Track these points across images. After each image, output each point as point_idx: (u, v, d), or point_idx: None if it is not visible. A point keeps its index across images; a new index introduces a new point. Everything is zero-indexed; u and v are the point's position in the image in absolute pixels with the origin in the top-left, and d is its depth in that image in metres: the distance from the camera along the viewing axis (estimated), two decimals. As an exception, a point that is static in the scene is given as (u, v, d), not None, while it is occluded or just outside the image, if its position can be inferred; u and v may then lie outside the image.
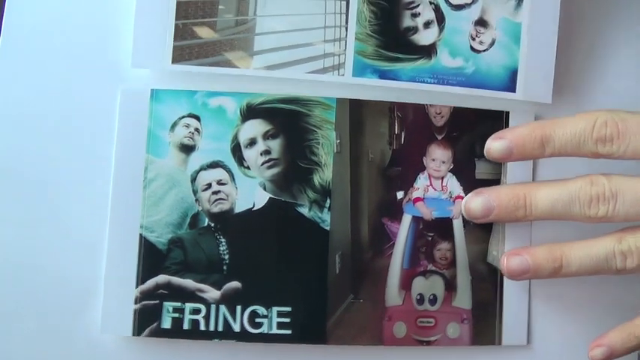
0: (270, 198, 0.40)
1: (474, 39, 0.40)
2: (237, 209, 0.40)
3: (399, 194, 0.40)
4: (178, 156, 0.39)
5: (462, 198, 0.40)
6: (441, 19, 0.40)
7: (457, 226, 0.40)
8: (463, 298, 0.40)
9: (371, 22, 0.39)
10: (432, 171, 0.41)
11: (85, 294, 0.39)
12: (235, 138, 0.39)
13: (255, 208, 0.40)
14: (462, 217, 0.40)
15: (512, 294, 0.40)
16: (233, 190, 0.39)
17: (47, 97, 0.40)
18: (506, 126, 0.41)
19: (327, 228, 0.40)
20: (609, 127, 0.36)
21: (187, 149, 0.39)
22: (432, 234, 0.41)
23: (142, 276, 0.39)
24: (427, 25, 0.40)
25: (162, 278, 0.39)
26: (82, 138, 0.40)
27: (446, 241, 0.41)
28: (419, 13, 0.40)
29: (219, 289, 0.39)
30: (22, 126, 0.40)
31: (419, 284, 0.40)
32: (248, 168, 0.39)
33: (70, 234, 0.40)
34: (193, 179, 0.39)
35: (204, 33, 0.39)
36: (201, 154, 0.39)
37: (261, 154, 0.39)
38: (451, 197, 0.41)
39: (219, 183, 0.39)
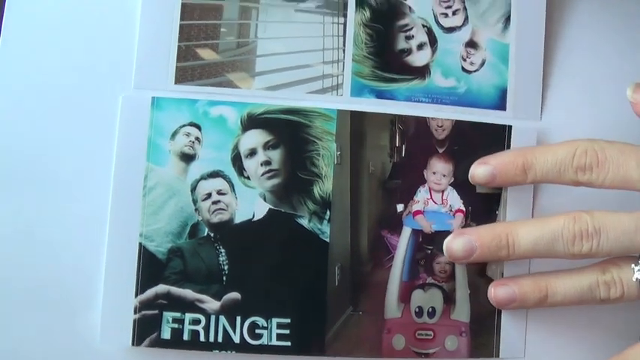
0: (269, 209, 0.40)
1: (464, 60, 0.41)
2: (237, 219, 0.40)
3: (399, 207, 0.41)
4: (178, 165, 0.39)
5: (462, 212, 0.41)
6: (433, 41, 0.41)
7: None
8: (462, 311, 0.41)
9: (367, 44, 0.40)
10: (433, 184, 0.41)
11: (83, 303, 0.39)
12: (236, 148, 0.39)
13: (254, 219, 0.40)
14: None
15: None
16: (233, 200, 0.39)
17: (47, 102, 0.40)
18: (508, 140, 0.41)
19: (327, 240, 0.40)
20: (589, 156, 0.37)
21: (187, 158, 0.39)
22: (431, 247, 0.41)
23: (142, 285, 0.39)
24: (420, 47, 0.41)
25: (161, 288, 0.39)
26: (81, 144, 0.40)
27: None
28: (412, 36, 0.41)
29: (218, 299, 0.39)
30: (21, 130, 0.40)
31: (418, 297, 0.40)
32: (248, 178, 0.39)
33: (69, 241, 0.39)
34: (193, 188, 0.39)
35: (207, 55, 0.39)
36: (202, 163, 0.39)
37: (261, 165, 0.39)
38: (451, 211, 0.41)
39: (219, 193, 0.39)
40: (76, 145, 0.40)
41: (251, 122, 0.39)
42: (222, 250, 0.40)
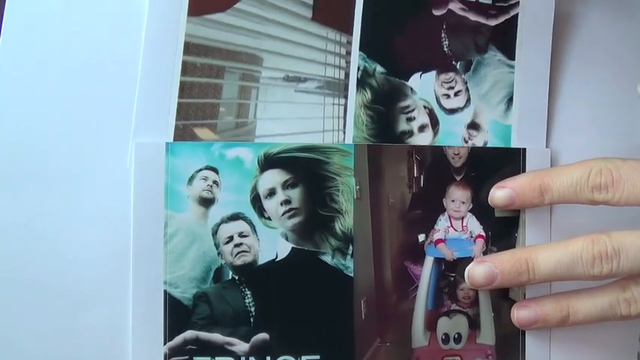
0: (292, 248, 0.40)
1: (466, 141, 0.41)
2: (261, 261, 0.40)
3: (421, 237, 0.41)
4: (198, 210, 0.39)
5: (483, 237, 0.41)
6: (434, 123, 0.41)
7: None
8: (487, 335, 0.41)
9: (368, 126, 0.40)
10: (452, 212, 0.41)
11: (113, 354, 0.39)
12: (254, 189, 0.39)
13: (278, 259, 0.40)
14: (483, 255, 0.41)
15: (534, 327, 0.41)
16: (255, 241, 0.39)
17: (55, 147, 0.40)
18: (523, 163, 0.41)
19: (351, 274, 0.40)
20: (604, 175, 0.37)
21: (207, 202, 0.39)
22: (454, 274, 0.41)
23: (170, 332, 0.39)
24: (422, 128, 0.41)
25: (189, 334, 0.40)
26: (97, 195, 0.40)
27: (468, 280, 0.41)
28: (414, 118, 0.41)
29: (247, 341, 0.40)
30: (29, 186, 0.40)
31: (444, 324, 0.41)
32: (269, 219, 0.39)
33: (93, 296, 0.39)
34: (214, 233, 0.39)
35: (204, 134, 0.39)
36: (221, 206, 0.39)
37: (281, 204, 0.39)
38: (472, 237, 0.41)
39: (241, 235, 0.39)
40: (90, 195, 0.40)
41: (268, 162, 0.39)
42: (248, 292, 0.40)
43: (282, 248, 0.39)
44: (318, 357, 0.40)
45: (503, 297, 0.41)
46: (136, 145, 0.39)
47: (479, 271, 0.39)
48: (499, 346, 0.41)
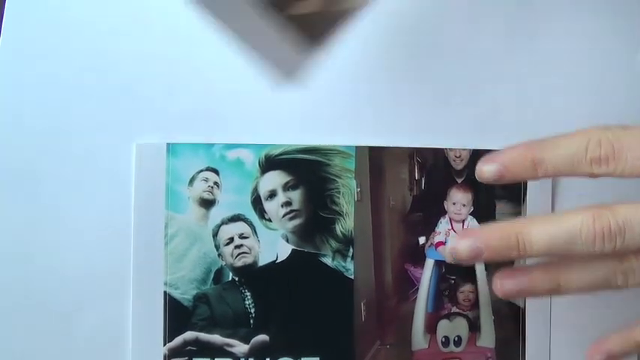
0: (293, 249, 0.40)
1: None
2: (261, 262, 0.40)
3: (421, 239, 0.41)
4: (198, 211, 0.39)
5: (483, 240, 0.41)
6: None
7: (479, 268, 0.41)
8: (487, 338, 0.41)
9: None
10: (453, 215, 0.41)
11: (113, 354, 0.39)
12: (255, 190, 0.39)
13: (278, 261, 0.40)
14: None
15: (534, 331, 0.41)
16: (255, 243, 0.39)
17: (56, 149, 0.40)
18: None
19: (351, 276, 0.40)
20: (603, 147, 0.33)
21: (207, 204, 0.39)
22: (454, 277, 0.41)
23: (169, 333, 0.39)
24: None
25: (189, 335, 0.40)
26: (97, 196, 0.40)
27: (468, 283, 0.41)
28: None
29: (247, 342, 0.40)
30: (29, 187, 0.40)
31: (444, 327, 0.41)
32: (269, 220, 0.39)
33: (94, 294, 0.39)
34: (215, 234, 0.39)
35: None
36: (222, 208, 0.39)
37: (282, 206, 0.39)
38: (472, 240, 0.41)
39: (241, 237, 0.39)
40: (91, 195, 0.40)
41: (269, 164, 0.39)
42: (248, 294, 0.40)
43: (282, 250, 0.39)
44: (317, 359, 0.40)
45: (504, 300, 0.41)
46: (137, 145, 0.39)
47: (462, 246, 0.34)
48: (499, 348, 0.41)
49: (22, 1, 0.40)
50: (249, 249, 0.39)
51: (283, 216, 0.39)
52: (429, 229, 0.41)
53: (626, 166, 0.33)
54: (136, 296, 0.39)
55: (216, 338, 0.40)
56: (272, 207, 0.39)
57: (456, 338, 0.41)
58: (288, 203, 0.39)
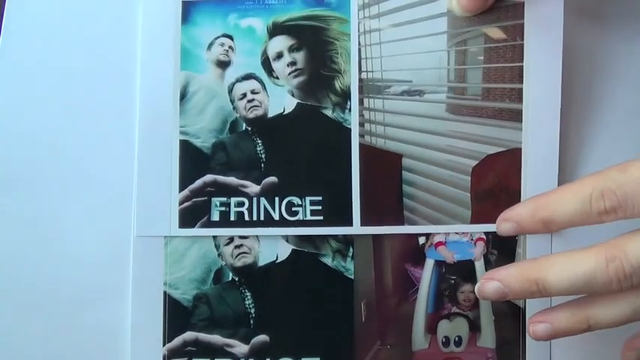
0: (293, 250, 0.40)
1: None
2: (261, 262, 0.40)
3: (421, 239, 0.41)
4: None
5: (483, 240, 0.41)
6: None
7: (479, 267, 0.41)
8: (487, 338, 0.41)
9: None
10: (453, 214, 0.41)
11: (112, 354, 0.39)
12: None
13: (278, 261, 0.40)
14: (484, 258, 0.41)
15: (535, 331, 0.41)
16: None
17: (56, 148, 0.40)
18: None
19: (352, 277, 0.40)
20: (607, 198, 0.34)
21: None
22: (454, 277, 0.41)
23: (169, 334, 0.39)
24: None
25: (189, 335, 0.40)
26: (97, 195, 0.40)
27: (469, 283, 0.41)
28: None
29: (247, 343, 0.40)
30: (29, 186, 0.40)
31: (444, 327, 0.41)
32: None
33: (93, 295, 0.39)
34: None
35: None
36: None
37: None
38: (472, 240, 0.41)
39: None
40: (90, 192, 0.40)
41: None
42: (248, 294, 0.40)
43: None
44: (318, 359, 0.40)
45: (504, 300, 0.41)
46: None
47: (489, 291, 0.37)
48: (499, 349, 0.41)
49: (22, 1, 0.41)
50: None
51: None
52: (429, 229, 0.41)
53: (634, 211, 0.34)
54: (135, 296, 0.39)
55: (216, 339, 0.40)
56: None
57: (457, 338, 0.41)
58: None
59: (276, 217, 0.40)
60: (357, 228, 0.40)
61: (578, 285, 0.34)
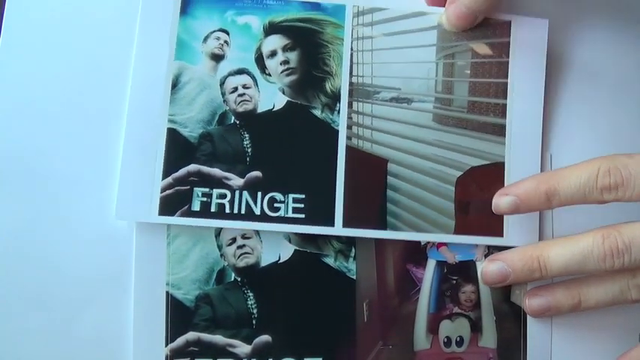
0: (295, 250, 0.40)
1: None
2: (263, 263, 0.40)
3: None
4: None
5: (485, 240, 0.41)
6: None
7: (480, 268, 0.41)
8: (489, 338, 0.41)
9: None
10: (454, 215, 0.41)
11: (114, 355, 0.39)
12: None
13: (280, 261, 0.40)
14: (485, 259, 0.41)
15: (536, 331, 0.41)
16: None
17: (55, 149, 0.40)
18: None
19: (354, 277, 0.40)
20: (612, 175, 0.37)
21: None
22: (456, 277, 0.41)
23: (172, 334, 0.39)
24: None
25: (192, 335, 0.40)
26: (97, 195, 0.40)
27: (470, 283, 0.41)
28: None
29: (249, 343, 0.40)
30: (29, 186, 0.40)
31: (446, 327, 0.41)
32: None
33: (95, 295, 0.39)
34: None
35: None
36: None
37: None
38: (474, 240, 0.41)
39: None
40: (91, 192, 0.40)
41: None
42: (250, 294, 0.40)
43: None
44: (320, 359, 0.40)
45: (505, 300, 0.41)
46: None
47: (492, 269, 0.40)
48: (501, 349, 0.41)
49: (22, 1, 0.41)
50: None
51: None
52: (431, 229, 0.41)
53: (633, 192, 0.37)
54: (137, 297, 0.39)
55: (218, 339, 0.40)
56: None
57: (458, 338, 0.41)
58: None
59: (258, 211, 0.40)
60: (338, 229, 0.40)
61: (576, 259, 0.37)
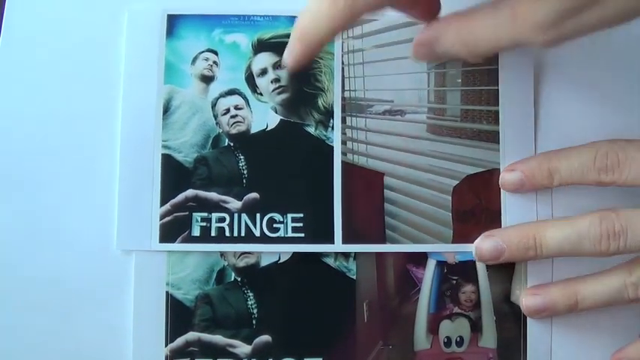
0: (293, 253, 0.40)
1: None
2: (263, 262, 0.40)
3: (423, 240, 0.41)
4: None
5: (485, 240, 0.41)
6: None
7: (480, 268, 0.41)
8: (489, 338, 0.41)
9: None
10: (454, 215, 0.41)
11: (114, 355, 0.39)
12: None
13: (280, 261, 0.40)
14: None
15: (536, 331, 0.41)
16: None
17: (55, 149, 0.40)
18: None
19: (354, 277, 0.40)
20: (610, 157, 0.38)
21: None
22: (456, 277, 0.41)
23: (171, 334, 0.39)
24: None
25: (191, 335, 0.40)
26: (97, 195, 0.40)
27: (470, 283, 0.41)
28: None
29: (249, 343, 0.40)
30: (29, 186, 0.40)
31: (446, 327, 0.41)
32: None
33: (95, 295, 0.39)
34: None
35: None
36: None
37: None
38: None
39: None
40: (91, 192, 0.40)
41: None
42: (250, 294, 0.40)
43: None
44: (320, 359, 0.40)
45: (505, 300, 0.41)
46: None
47: (486, 245, 0.40)
48: (501, 349, 0.41)
49: (22, 1, 0.41)
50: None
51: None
52: (431, 229, 0.41)
53: (629, 175, 0.37)
54: (137, 297, 0.39)
55: (218, 339, 0.40)
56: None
57: (458, 339, 0.41)
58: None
59: (257, 233, 0.40)
60: (338, 246, 0.40)
61: (572, 239, 0.38)
